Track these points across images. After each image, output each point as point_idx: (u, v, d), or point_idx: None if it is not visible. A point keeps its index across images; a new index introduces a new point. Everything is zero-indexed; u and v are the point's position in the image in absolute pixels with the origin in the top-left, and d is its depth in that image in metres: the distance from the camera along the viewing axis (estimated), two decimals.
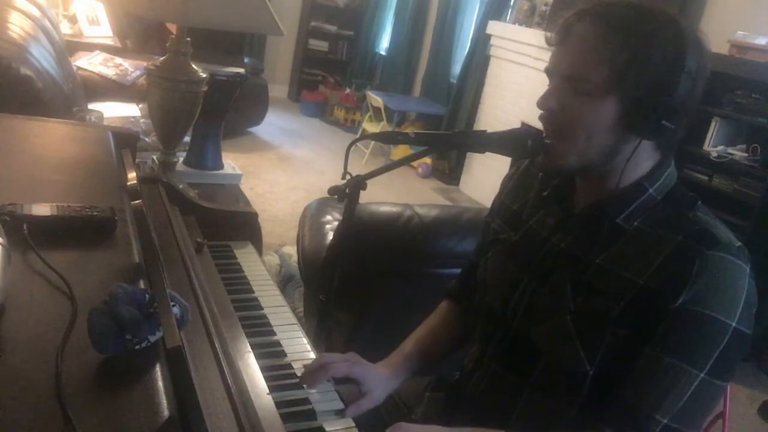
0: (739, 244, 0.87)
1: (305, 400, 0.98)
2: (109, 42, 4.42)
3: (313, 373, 1.01)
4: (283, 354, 1.09)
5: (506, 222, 1.12)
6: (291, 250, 3.03)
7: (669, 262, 0.86)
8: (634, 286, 0.88)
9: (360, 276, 1.64)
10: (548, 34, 0.94)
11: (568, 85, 0.91)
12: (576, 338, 0.92)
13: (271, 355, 1.07)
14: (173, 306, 0.74)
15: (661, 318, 0.85)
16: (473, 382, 1.10)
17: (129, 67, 3.82)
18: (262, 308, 1.22)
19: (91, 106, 2.87)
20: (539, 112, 0.95)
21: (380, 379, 1.08)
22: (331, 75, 7.07)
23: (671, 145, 0.95)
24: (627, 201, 0.93)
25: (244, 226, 1.54)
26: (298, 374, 1.04)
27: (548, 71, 0.94)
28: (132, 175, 1.15)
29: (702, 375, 0.84)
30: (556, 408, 0.97)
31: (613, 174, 0.93)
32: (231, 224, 1.51)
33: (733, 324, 0.84)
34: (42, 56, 2.22)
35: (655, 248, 0.88)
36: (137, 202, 1.04)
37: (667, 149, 0.96)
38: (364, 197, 1.16)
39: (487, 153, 1.08)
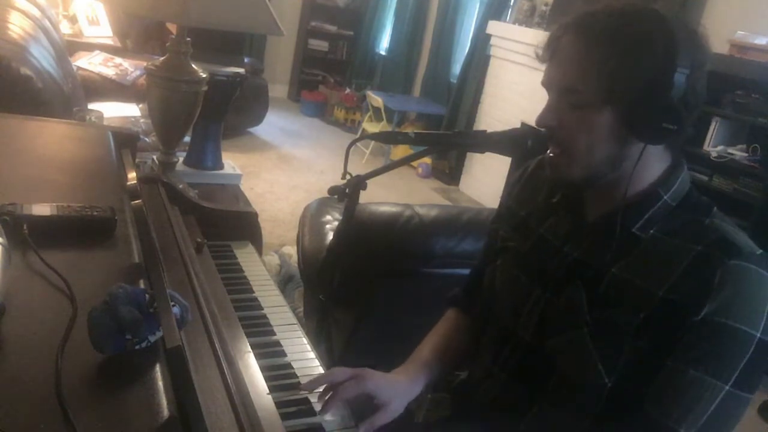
0: (761, 251, 0.85)
1: (305, 400, 0.98)
2: (109, 42, 4.42)
3: (323, 394, 0.97)
4: (283, 354, 1.09)
5: (514, 229, 1.09)
6: (291, 250, 3.04)
7: (689, 273, 0.84)
8: (653, 298, 0.85)
9: (360, 276, 1.64)
10: (538, 51, 0.94)
11: (563, 100, 0.90)
12: (594, 351, 0.89)
13: (271, 355, 1.07)
14: (173, 306, 0.74)
15: (683, 330, 0.83)
16: (482, 391, 1.08)
17: (129, 67, 3.82)
18: (262, 308, 1.22)
19: (91, 106, 2.87)
20: (539, 112, 0.94)
21: (397, 388, 1.03)
22: (331, 75, 7.07)
23: (678, 144, 0.92)
24: (641, 209, 0.91)
25: (244, 226, 1.54)
26: (299, 375, 1.04)
27: (544, 85, 0.94)
28: (132, 175, 1.15)
29: (727, 387, 0.82)
30: (567, 420, 0.95)
31: (622, 181, 0.91)
32: (231, 224, 1.51)
33: (758, 334, 0.81)
34: (42, 56, 2.21)
35: (674, 258, 0.86)
36: (137, 202, 1.04)
37: (676, 150, 0.93)
38: (364, 197, 1.16)
39: (487, 153, 1.08)
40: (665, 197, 0.91)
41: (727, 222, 0.89)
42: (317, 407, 0.97)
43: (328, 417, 0.96)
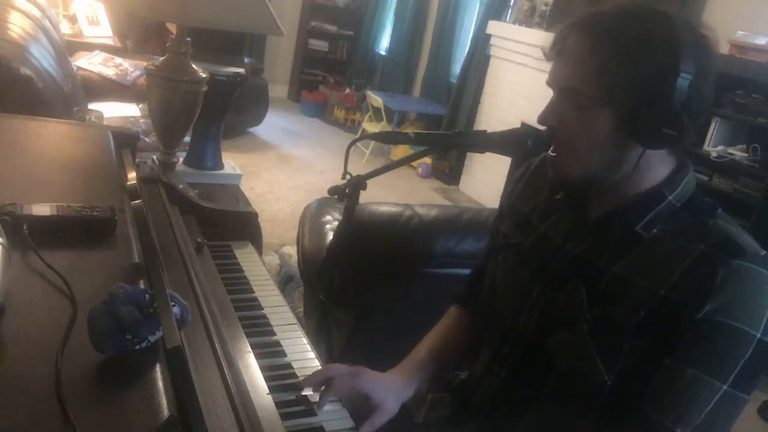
0: (765, 252, 0.85)
1: (305, 400, 0.98)
2: (109, 42, 4.42)
3: (317, 386, 0.99)
4: (283, 354, 1.09)
5: (517, 226, 1.09)
6: (291, 250, 3.04)
7: (691, 271, 0.84)
8: (654, 296, 0.85)
9: (360, 276, 1.65)
10: (545, 49, 0.93)
11: (564, 99, 0.90)
12: (594, 349, 0.89)
13: (271, 355, 1.07)
14: (173, 306, 0.74)
15: (683, 329, 0.83)
16: (482, 389, 1.08)
17: (129, 67, 3.83)
18: (262, 308, 1.23)
19: (91, 106, 2.87)
20: (539, 112, 0.94)
21: (392, 388, 1.04)
22: (331, 75, 7.07)
23: (681, 148, 0.92)
24: (645, 208, 0.90)
25: (244, 226, 1.54)
26: (299, 375, 1.04)
27: (548, 84, 0.93)
28: (132, 175, 1.15)
29: (725, 387, 0.82)
30: (567, 418, 0.95)
31: (625, 181, 0.91)
32: (231, 224, 1.51)
33: (758, 335, 0.81)
34: (42, 56, 2.22)
35: (676, 257, 0.85)
36: (137, 202, 1.03)
37: (680, 153, 0.93)
38: (364, 197, 1.17)
39: (487, 153, 1.08)
40: (669, 198, 0.91)
41: (731, 223, 0.89)
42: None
43: (324, 409, 0.97)
